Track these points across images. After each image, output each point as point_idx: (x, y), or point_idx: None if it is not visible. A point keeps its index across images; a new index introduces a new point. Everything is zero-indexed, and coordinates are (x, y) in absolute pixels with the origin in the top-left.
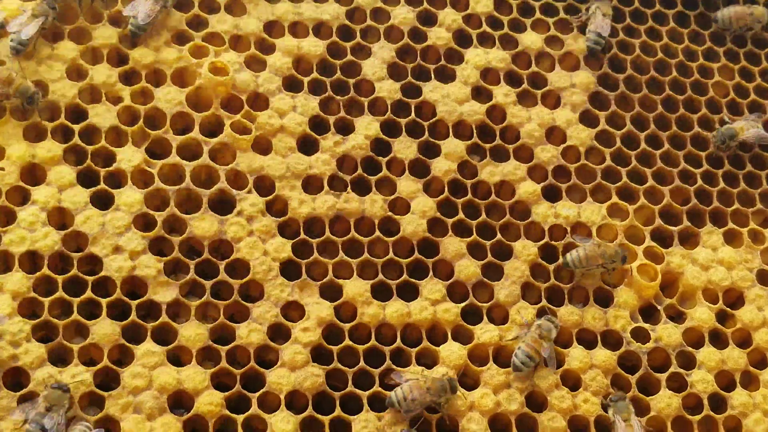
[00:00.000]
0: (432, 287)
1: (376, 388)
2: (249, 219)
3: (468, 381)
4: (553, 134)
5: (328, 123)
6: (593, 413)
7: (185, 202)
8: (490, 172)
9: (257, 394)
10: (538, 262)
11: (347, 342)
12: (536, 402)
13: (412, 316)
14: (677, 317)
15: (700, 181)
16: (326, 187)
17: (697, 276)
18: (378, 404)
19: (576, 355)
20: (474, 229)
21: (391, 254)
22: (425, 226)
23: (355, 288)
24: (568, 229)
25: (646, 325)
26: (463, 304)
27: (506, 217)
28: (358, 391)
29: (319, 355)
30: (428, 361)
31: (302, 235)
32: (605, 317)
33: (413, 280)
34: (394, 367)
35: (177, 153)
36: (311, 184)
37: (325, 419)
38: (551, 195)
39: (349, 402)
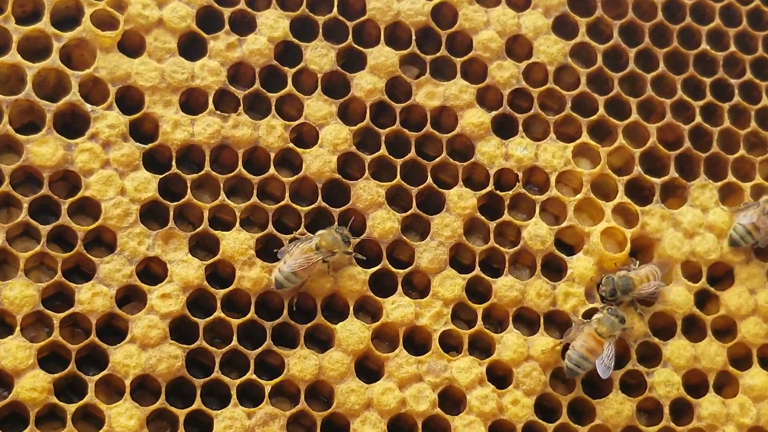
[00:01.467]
0: None
1: (250, 375)
2: (105, 145)
3: (370, 366)
4: (516, 46)
5: (222, 17)
6: (522, 419)
7: (24, 114)
8: (429, 94)
9: (96, 377)
10: (476, 218)
11: (219, 314)
12: (453, 400)
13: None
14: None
15: (698, 117)
16: (211, 106)
17: (677, 245)
18: (251, 395)
19: (510, 343)
20: (398, 170)
21: (287, 199)
22: (335, 164)
23: (236, 243)
24: (520, 175)
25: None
26: (373, 270)
27: (442, 155)
28: (226, 378)
29: (180, 329)
30: (323, 338)
31: (174, 169)
32: (553, 294)
33: (313, 235)
34: (275, 347)
35: (18, 49)
36: (192, 101)
37: (180, 413)
38: (504, 128)
39: (215, 390)
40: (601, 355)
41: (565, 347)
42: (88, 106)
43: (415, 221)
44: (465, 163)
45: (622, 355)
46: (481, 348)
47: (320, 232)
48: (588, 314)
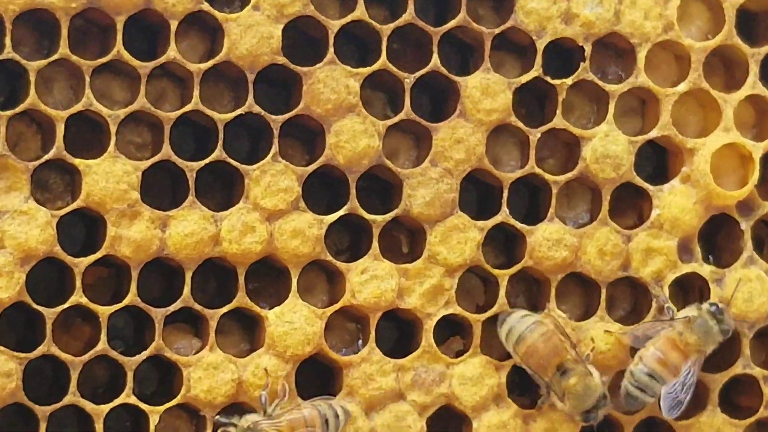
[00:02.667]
0: None
1: (125, 398)
2: None
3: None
4: None
5: None
6: None
7: None
8: None
9: None
10: (508, 124)
11: (78, 299)
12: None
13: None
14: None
15: None
16: None
17: None
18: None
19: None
20: (383, 46)
21: (195, 101)
22: (278, 40)
23: (108, 178)
24: (587, 48)
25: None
26: (332, 218)
27: (459, 16)
28: (87, 405)
29: (14, 328)
30: (249, 330)
31: None
32: (625, 250)
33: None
34: (167, 352)
35: None
36: None
37: None
38: None
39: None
40: (677, 378)
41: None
42: None
43: (405, 133)
44: (495, 29)
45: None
46: (501, 348)
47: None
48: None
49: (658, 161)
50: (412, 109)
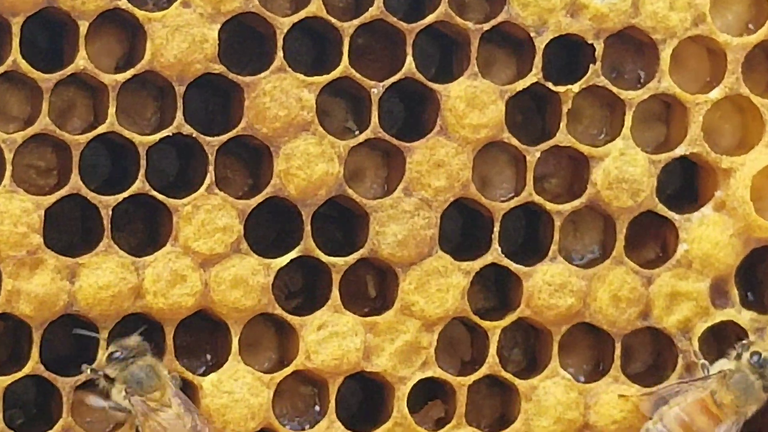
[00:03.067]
0: None
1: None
2: None
3: None
4: None
5: None
6: None
7: None
8: None
9: None
10: (500, 142)
11: None
12: None
13: None
14: None
15: None
16: None
17: None
18: None
19: (550, 399)
20: (344, 50)
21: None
22: (213, 46)
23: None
24: (598, 46)
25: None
26: (282, 261)
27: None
28: None
29: None
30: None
31: None
32: (645, 295)
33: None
34: None
35: None
36: None
37: None
38: None
39: None
40: None
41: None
42: None
43: (373, 150)
44: (484, 24)
45: None
46: (492, 413)
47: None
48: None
49: (686, 177)
50: (382, 118)
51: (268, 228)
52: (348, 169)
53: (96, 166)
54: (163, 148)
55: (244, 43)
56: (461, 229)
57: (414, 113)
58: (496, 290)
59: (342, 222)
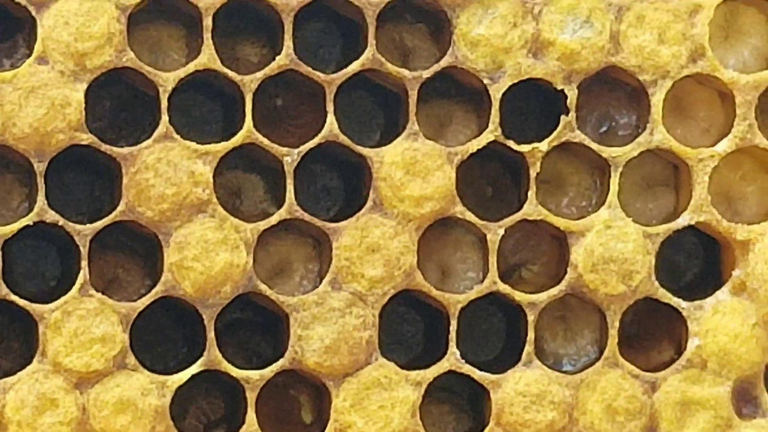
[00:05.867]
0: None
1: None
2: None
3: None
4: None
5: None
6: None
7: None
8: None
9: None
10: (451, 218)
11: None
12: None
13: None
14: None
15: None
16: None
17: None
18: None
19: None
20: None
21: None
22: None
23: None
24: (570, 93)
25: None
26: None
27: (366, 53)
28: None
29: None
30: None
31: None
32: (648, 405)
33: None
34: None
35: None
36: None
37: None
38: None
39: None
40: None
41: None
42: None
43: (301, 235)
44: (423, 72)
45: None
46: None
47: None
48: None
49: (707, 257)
50: (316, 196)
51: (176, 332)
52: (272, 260)
53: None
54: (39, 246)
55: (135, 109)
56: (424, 331)
57: (356, 189)
58: (470, 404)
59: (265, 326)
